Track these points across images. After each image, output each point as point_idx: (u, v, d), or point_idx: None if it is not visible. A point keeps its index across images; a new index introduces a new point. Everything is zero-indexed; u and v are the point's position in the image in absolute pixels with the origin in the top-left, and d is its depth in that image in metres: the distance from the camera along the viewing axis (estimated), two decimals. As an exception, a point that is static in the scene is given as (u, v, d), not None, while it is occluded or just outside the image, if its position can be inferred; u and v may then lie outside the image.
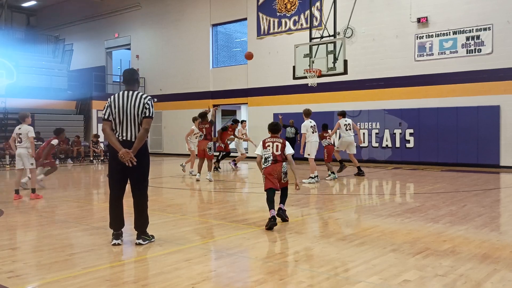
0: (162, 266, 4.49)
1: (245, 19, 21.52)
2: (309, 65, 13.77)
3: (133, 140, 5.18)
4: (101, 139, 21.40)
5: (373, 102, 17.49)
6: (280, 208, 6.51)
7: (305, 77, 13.89)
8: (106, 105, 5.31)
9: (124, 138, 5.21)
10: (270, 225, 6.07)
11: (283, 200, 6.64)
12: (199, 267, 4.47)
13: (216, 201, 9.29)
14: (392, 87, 17.18)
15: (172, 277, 4.13)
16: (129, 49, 27.04)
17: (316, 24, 18.24)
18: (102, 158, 20.23)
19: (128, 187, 5.39)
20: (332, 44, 13.35)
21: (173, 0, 24.36)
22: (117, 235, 5.32)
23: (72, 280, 4.05)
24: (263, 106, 20.47)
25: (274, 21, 20.36)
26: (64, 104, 23.30)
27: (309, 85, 14.55)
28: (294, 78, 14.36)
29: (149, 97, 5.32)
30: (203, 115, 12.32)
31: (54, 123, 21.34)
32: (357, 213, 7.37)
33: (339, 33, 15.71)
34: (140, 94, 5.29)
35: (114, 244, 5.24)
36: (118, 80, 27.72)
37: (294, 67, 14.16)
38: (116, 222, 5.34)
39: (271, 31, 20.47)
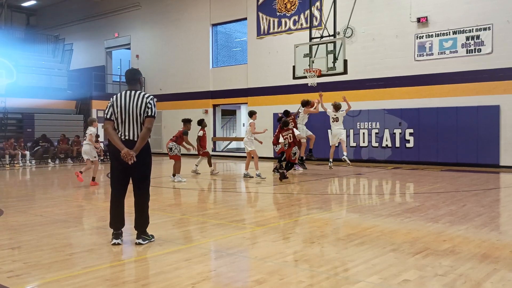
0: (162, 266, 4.49)
1: (245, 19, 21.51)
2: (309, 65, 13.76)
3: (135, 139, 5.19)
4: (101, 138, 21.38)
5: (373, 102, 17.49)
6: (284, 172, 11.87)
7: (305, 77, 13.89)
8: (109, 104, 5.32)
9: (127, 137, 5.21)
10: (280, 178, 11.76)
11: (288, 168, 12.23)
12: (199, 266, 4.47)
13: (216, 200, 9.30)
14: (392, 87, 17.18)
15: (172, 277, 4.13)
16: (129, 48, 27.03)
17: (316, 24, 18.24)
18: (102, 158, 20.22)
19: (130, 186, 5.39)
20: (332, 44, 13.35)
21: (173, -1, 24.38)
22: (117, 234, 5.29)
23: (72, 280, 4.05)
24: (263, 106, 20.46)
25: (274, 21, 20.35)
26: (64, 103, 23.29)
27: (309, 85, 14.55)
28: (294, 78, 14.36)
29: (151, 96, 5.32)
30: (186, 121, 12.59)
31: (54, 123, 21.39)
32: (357, 213, 7.37)
33: (339, 33, 15.72)
34: (143, 93, 5.31)
35: (114, 244, 5.22)
36: (118, 80, 27.72)
37: (294, 67, 14.16)
38: (117, 222, 5.31)
39: (271, 31, 20.46)
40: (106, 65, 28.05)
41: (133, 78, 5.47)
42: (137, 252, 5.06)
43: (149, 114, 5.24)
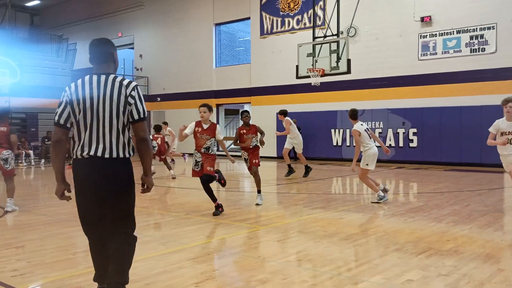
0: (166, 265, 4.50)
1: (248, 18, 21.51)
2: (312, 64, 13.76)
3: (105, 155, 3.18)
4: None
5: (376, 101, 17.46)
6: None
7: (308, 77, 13.89)
8: (63, 99, 3.27)
9: (92, 153, 3.19)
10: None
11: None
12: (202, 266, 4.48)
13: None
14: (395, 87, 17.15)
15: (176, 276, 4.14)
16: (132, 48, 27.07)
17: (319, 23, 18.21)
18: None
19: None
20: (335, 43, 13.35)
21: (176, -1, 24.39)
22: None
23: (75, 279, 4.06)
24: (266, 106, 20.46)
25: (277, 20, 20.34)
26: (67, 103, 23.31)
27: (312, 84, 14.55)
28: (298, 77, 14.36)
29: (134, 83, 3.32)
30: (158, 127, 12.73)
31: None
32: (360, 213, 7.36)
33: (342, 32, 15.70)
34: (120, 79, 3.28)
35: None
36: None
37: (297, 66, 14.16)
38: (102, 274, 3.47)
39: (274, 30, 20.45)
40: (109, 64, 28.10)
41: (105, 53, 3.38)
42: (141, 251, 5.06)
43: (135, 117, 3.25)
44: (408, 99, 16.81)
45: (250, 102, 21.84)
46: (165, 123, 16.72)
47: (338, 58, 13.23)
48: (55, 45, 26.52)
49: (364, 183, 8.51)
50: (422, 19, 16.39)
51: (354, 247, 5.15)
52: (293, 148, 12.48)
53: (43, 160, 19.00)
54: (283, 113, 12.52)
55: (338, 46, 13.25)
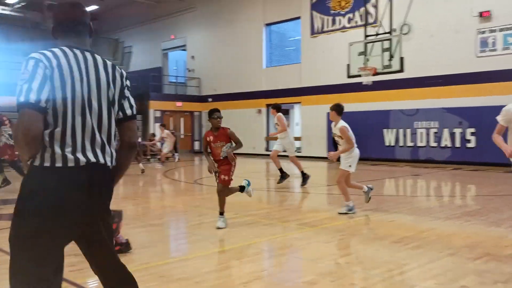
0: (215, 264, 4.56)
1: (299, 18, 21.43)
2: (364, 63, 13.55)
3: (107, 162, 2.29)
4: (157, 137, 21.94)
5: (431, 100, 16.91)
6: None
7: (360, 75, 13.68)
8: (37, 70, 2.07)
9: (93, 159, 2.21)
10: None
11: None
12: (251, 266, 4.51)
13: (268, 200, 9.32)
14: (451, 85, 16.54)
15: (224, 275, 4.19)
16: (184, 50, 27.63)
17: (372, 21, 17.85)
18: (159, 157, 20.78)
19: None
20: (388, 41, 13.07)
21: (227, 0, 24.66)
22: None
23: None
24: (316, 105, 20.30)
25: (328, 19, 20.14)
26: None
27: (363, 83, 14.31)
28: (349, 76, 14.18)
29: (125, 72, 2.49)
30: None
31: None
32: (413, 215, 7.16)
33: (395, 30, 15.33)
34: (110, 63, 2.41)
35: None
36: (174, 81, 28.33)
37: (348, 65, 13.99)
38: None
39: (325, 29, 20.26)
40: (162, 66, 28.79)
41: (80, 23, 2.35)
42: (191, 249, 5.16)
43: (128, 112, 2.42)
44: (465, 98, 16.16)
45: (300, 102, 21.76)
46: (163, 125, 16.84)
47: (391, 56, 12.97)
48: (112, 48, 27.51)
49: (339, 188, 7.34)
50: (481, 14, 15.71)
51: (405, 250, 5.01)
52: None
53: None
54: (277, 107, 11.08)
55: (390, 44, 12.99)
